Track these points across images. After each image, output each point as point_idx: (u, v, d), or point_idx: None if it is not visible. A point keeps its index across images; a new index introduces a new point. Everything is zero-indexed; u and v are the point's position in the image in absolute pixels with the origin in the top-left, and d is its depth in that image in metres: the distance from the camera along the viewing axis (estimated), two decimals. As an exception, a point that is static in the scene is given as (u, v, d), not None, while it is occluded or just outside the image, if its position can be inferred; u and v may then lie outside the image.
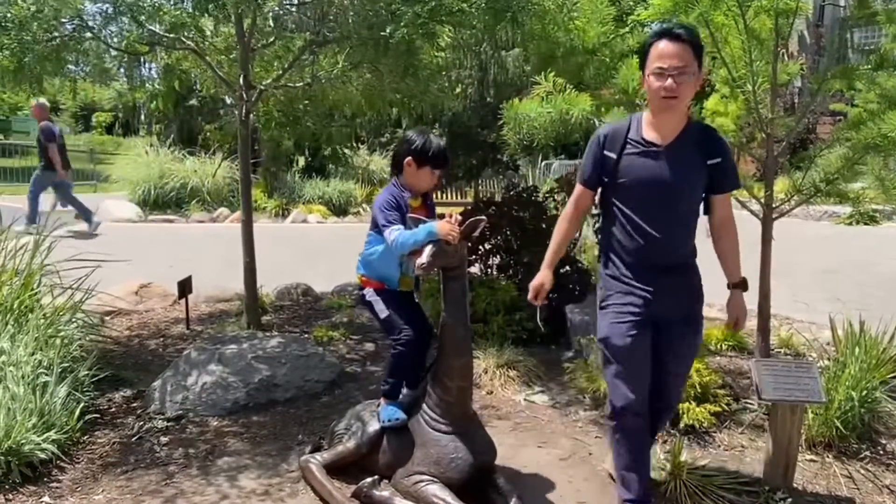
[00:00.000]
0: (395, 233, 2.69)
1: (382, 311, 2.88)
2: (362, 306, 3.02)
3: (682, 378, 2.74)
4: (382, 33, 3.87)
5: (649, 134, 2.50)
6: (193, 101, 16.03)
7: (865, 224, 11.37)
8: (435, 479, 2.67)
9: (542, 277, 2.72)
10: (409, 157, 2.84)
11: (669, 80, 2.36)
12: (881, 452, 3.28)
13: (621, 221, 2.56)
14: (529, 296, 2.72)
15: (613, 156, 2.53)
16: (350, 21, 4.29)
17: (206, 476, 3.04)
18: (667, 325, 2.55)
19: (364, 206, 14.81)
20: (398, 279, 2.90)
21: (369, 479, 2.74)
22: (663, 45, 2.38)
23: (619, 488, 2.64)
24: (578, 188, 2.69)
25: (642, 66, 2.48)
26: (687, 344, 2.62)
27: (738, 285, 2.64)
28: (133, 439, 3.37)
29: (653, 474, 3.03)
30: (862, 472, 3.12)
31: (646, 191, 2.48)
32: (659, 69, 2.37)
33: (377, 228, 2.85)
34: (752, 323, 4.96)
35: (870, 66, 3.59)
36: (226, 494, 2.89)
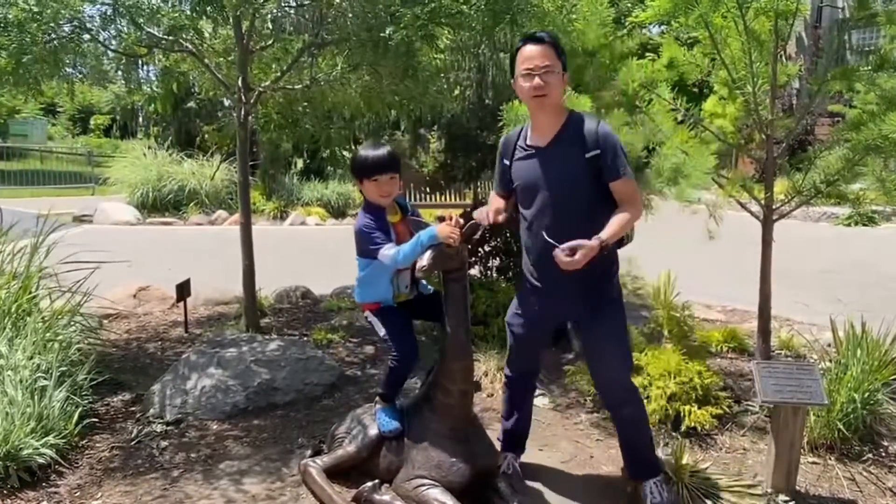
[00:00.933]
0: (391, 250, 2.65)
1: (381, 329, 2.89)
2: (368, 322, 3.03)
3: (610, 360, 2.74)
4: (382, 35, 3.85)
5: (532, 138, 2.67)
6: (191, 104, 16.02)
7: (864, 225, 11.39)
8: (436, 483, 2.65)
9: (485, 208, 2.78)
10: (355, 179, 2.87)
11: (537, 79, 2.51)
12: (883, 454, 3.27)
13: (522, 222, 2.73)
14: (479, 218, 2.67)
15: (508, 163, 2.74)
16: (349, 23, 4.28)
17: (209, 480, 3.02)
18: (580, 319, 2.74)
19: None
20: (392, 296, 2.89)
21: (370, 484, 2.73)
22: (528, 49, 2.54)
23: None
24: (494, 194, 2.87)
25: (512, 74, 2.65)
26: (595, 335, 2.72)
27: (601, 238, 2.47)
28: (132, 443, 3.35)
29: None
30: (864, 474, 3.11)
31: (532, 193, 2.64)
32: (527, 70, 2.53)
33: (363, 254, 2.82)
34: (751, 324, 4.96)
35: (870, 68, 3.58)
36: (230, 499, 2.88)
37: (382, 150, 2.82)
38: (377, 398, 2.97)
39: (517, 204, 2.76)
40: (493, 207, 2.74)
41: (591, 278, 2.56)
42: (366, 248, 2.76)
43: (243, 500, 2.87)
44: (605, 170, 2.55)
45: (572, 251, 2.41)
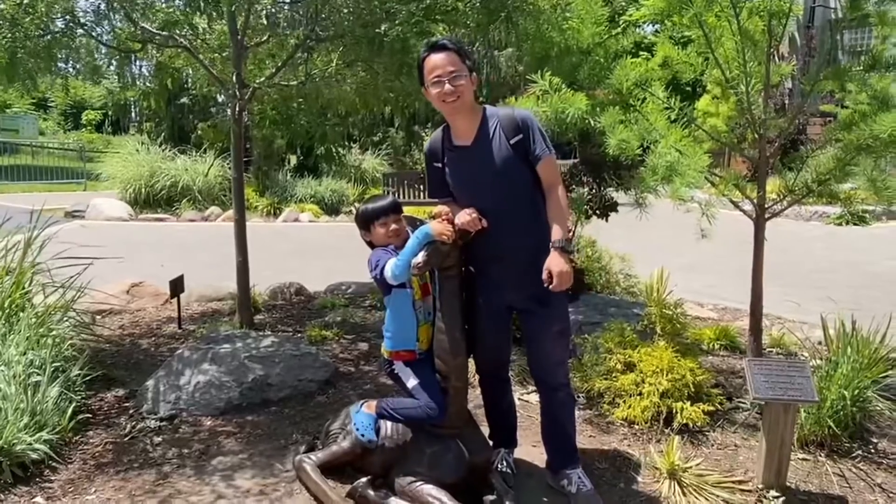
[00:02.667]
0: (391, 261, 2.63)
1: (412, 380, 2.79)
2: (389, 377, 2.96)
3: (558, 344, 2.81)
4: (377, 31, 3.86)
5: (456, 139, 2.73)
6: (185, 100, 15.97)
7: (855, 224, 11.47)
8: (430, 479, 2.66)
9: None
10: (361, 231, 2.88)
11: (447, 85, 2.58)
12: (872, 451, 3.31)
13: None
14: (469, 225, 2.64)
15: (440, 165, 2.79)
16: (344, 19, 4.28)
17: (202, 476, 3.03)
18: (520, 305, 2.79)
19: (356, 205, 14.80)
20: (417, 332, 2.78)
21: (364, 479, 2.74)
22: (433, 58, 2.61)
23: None
24: (441, 204, 2.85)
25: (421, 84, 2.70)
26: (546, 321, 2.75)
27: (555, 244, 2.61)
28: (126, 439, 3.35)
29: (647, 473, 3.06)
30: (854, 470, 3.14)
31: (468, 189, 2.70)
32: (436, 78, 2.59)
33: (382, 290, 2.81)
34: (743, 322, 5.00)
35: (861, 68, 3.61)
36: (222, 494, 2.88)
37: (385, 200, 2.88)
38: (370, 403, 2.93)
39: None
40: (467, 213, 2.67)
41: (534, 261, 2.64)
42: (379, 278, 2.70)
43: (235, 495, 2.88)
44: (531, 151, 2.66)
45: (550, 277, 2.58)
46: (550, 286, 2.59)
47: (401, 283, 2.68)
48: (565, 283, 2.59)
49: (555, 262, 2.59)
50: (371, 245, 2.86)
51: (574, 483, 2.81)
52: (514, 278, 2.72)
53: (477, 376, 3.13)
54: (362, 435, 2.81)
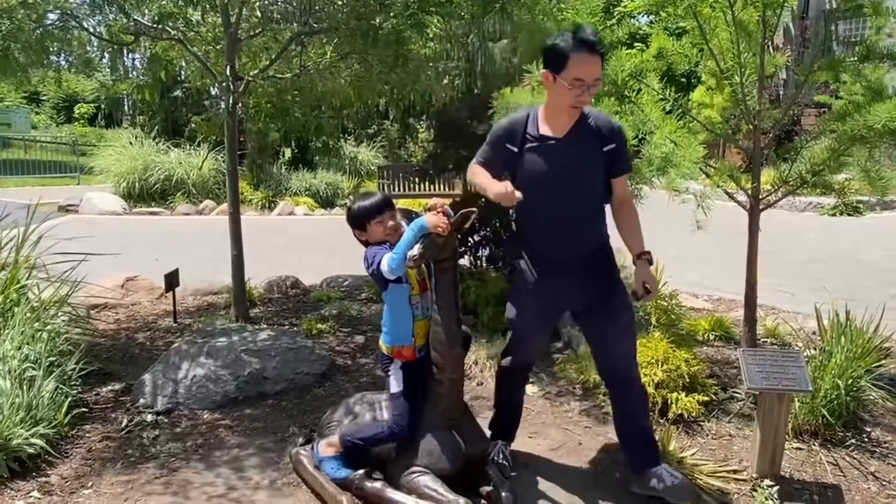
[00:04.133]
0: (387, 256, 2.61)
1: (397, 385, 2.78)
2: (382, 372, 2.92)
3: (628, 336, 2.77)
4: (372, 23, 3.85)
5: (544, 128, 2.60)
6: (178, 92, 15.88)
7: (849, 215, 11.51)
8: (427, 471, 2.67)
9: (502, 184, 2.55)
10: (356, 231, 2.84)
11: (586, 95, 2.47)
12: (866, 440, 3.33)
13: (523, 213, 2.67)
14: (503, 200, 2.51)
15: (514, 149, 2.62)
16: (338, 12, 4.26)
17: (209, 468, 3.03)
18: (588, 306, 2.71)
19: (351, 198, 14.77)
20: (413, 327, 2.76)
21: (361, 471, 2.74)
22: (586, 58, 2.42)
23: None
24: (475, 166, 2.74)
25: (553, 66, 2.47)
26: (612, 316, 2.70)
27: (643, 255, 2.66)
28: (123, 433, 3.35)
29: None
30: (847, 459, 3.17)
31: (544, 183, 2.58)
32: (580, 81, 2.42)
33: (379, 283, 2.79)
34: (738, 313, 5.01)
35: (856, 59, 3.62)
36: (233, 486, 2.89)
37: (375, 197, 2.83)
38: (329, 442, 2.86)
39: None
40: (506, 183, 2.52)
41: (597, 263, 2.67)
42: (376, 273, 2.69)
43: (246, 487, 2.89)
44: (617, 163, 2.63)
45: (645, 289, 2.62)
46: (642, 298, 2.63)
47: (397, 277, 2.68)
48: (655, 293, 2.69)
49: (649, 275, 2.64)
50: (366, 244, 2.81)
51: (664, 479, 2.71)
52: (580, 281, 2.66)
53: (495, 370, 3.10)
54: (334, 478, 2.76)
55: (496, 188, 2.53)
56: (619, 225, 2.72)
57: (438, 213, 2.62)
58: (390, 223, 2.75)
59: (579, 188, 2.60)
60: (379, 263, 2.64)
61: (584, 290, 2.68)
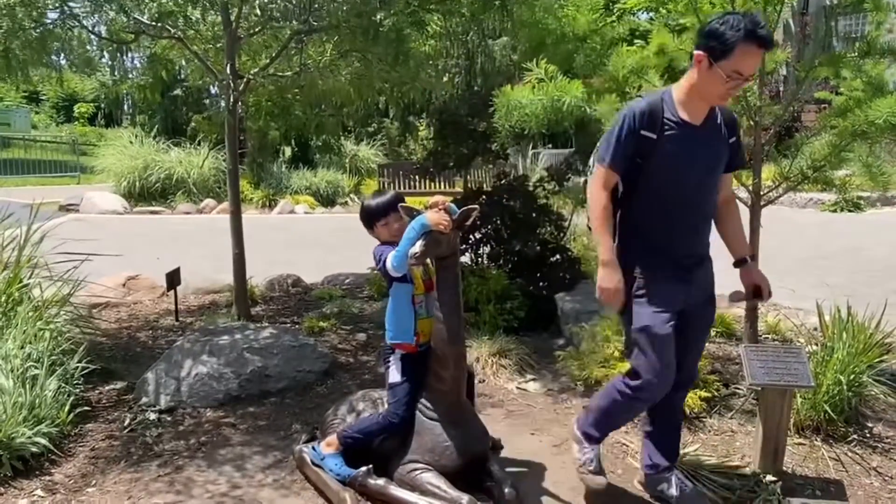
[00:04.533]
0: (391, 253, 2.64)
1: (396, 375, 2.79)
2: (384, 364, 2.92)
3: (704, 343, 2.77)
4: (372, 19, 3.84)
5: (683, 113, 2.38)
6: (178, 91, 15.89)
7: (850, 211, 11.50)
8: (429, 467, 2.68)
9: (615, 278, 2.42)
10: (369, 230, 2.89)
11: (738, 89, 2.33)
12: (868, 435, 3.34)
13: (652, 203, 2.45)
14: (605, 299, 2.46)
15: (652, 136, 2.36)
16: (339, 9, 4.26)
17: (212, 466, 3.04)
18: (693, 308, 2.54)
19: (352, 196, 14.78)
20: (416, 325, 2.78)
21: (364, 468, 2.75)
22: (754, 51, 2.22)
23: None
24: (604, 172, 2.45)
25: (712, 51, 2.22)
26: (706, 321, 2.66)
27: (752, 257, 2.63)
28: (126, 431, 3.35)
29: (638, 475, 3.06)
30: (849, 454, 3.17)
31: (680, 172, 2.38)
32: (738, 74, 2.22)
33: (386, 279, 2.82)
34: (739, 309, 5.01)
35: (856, 54, 3.62)
36: (237, 484, 2.90)
37: (385, 196, 2.87)
38: (329, 441, 2.86)
39: (633, 184, 2.46)
40: (619, 280, 2.41)
41: (708, 263, 2.59)
42: (383, 269, 2.72)
43: (250, 485, 2.89)
44: (735, 157, 2.51)
45: (758, 290, 2.54)
46: (750, 300, 2.57)
47: (402, 275, 2.70)
48: (769, 293, 2.59)
49: (763, 277, 2.56)
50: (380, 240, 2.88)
51: (675, 485, 2.65)
52: (700, 278, 2.53)
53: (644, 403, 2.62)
54: (338, 475, 2.77)
55: (608, 280, 2.40)
56: (723, 223, 2.60)
57: (440, 210, 2.62)
58: (395, 226, 2.77)
59: (710, 180, 2.44)
60: (385, 261, 2.66)
61: (701, 288, 2.54)
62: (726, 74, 2.22)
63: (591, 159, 2.62)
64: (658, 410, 2.70)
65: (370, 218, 2.84)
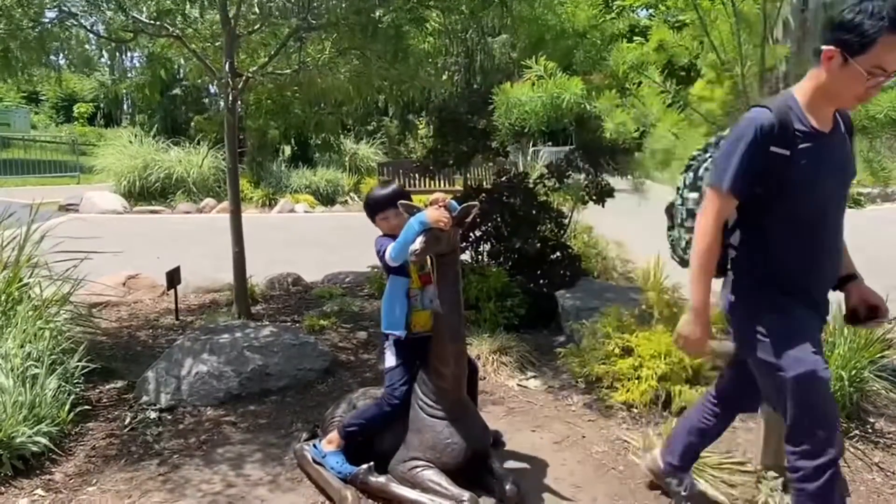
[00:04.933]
0: (389, 247, 2.68)
1: (392, 359, 2.81)
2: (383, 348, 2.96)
3: None
4: (371, 17, 3.83)
5: (813, 121, 2.04)
6: (177, 91, 15.87)
7: (850, 207, 11.44)
8: (431, 465, 2.67)
9: (704, 329, 2.13)
10: (370, 219, 2.90)
11: (878, 88, 1.98)
12: (870, 431, 3.33)
13: (788, 233, 2.09)
14: (688, 349, 2.25)
15: (785, 152, 1.99)
16: (337, 7, 4.25)
17: (209, 465, 3.03)
18: None
19: (352, 195, 14.77)
20: (409, 318, 2.79)
21: (365, 466, 2.74)
22: None
23: None
24: (721, 199, 2.07)
25: (848, 45, 1.91)
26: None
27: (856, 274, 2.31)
28: (126, 430, 3.35)
29: (647, 456, 3.07)
30: (851, 450, 3.16)
31: (815, 188, 2.03)
32: (881, 70, 1.90)
33: (384, 268, 2.83)
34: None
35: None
36: (232, 483, 2.89)
37: (387, 189, 2.88)
38: (329, 439, 2.86)
39: (754, 212, 2.10)
40: (705, 330, 2.12)
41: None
42: (383, 259, 2.74)
43: (245, 483, 2.88)
44: (854, 162, 2.19)
45: (875, 311, 2.22)
46: (870, 321, 2.23)
47: (400, 268, 2.72)
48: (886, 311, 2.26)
49: (875, 294, 2.23)
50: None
51: (685, 485, 2.63)
52: (823, 315, 2.23)
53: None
54: (339, 473, 2.77)
55: (695, 330, 2.11)
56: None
57: (440, 207, 2.62)
58: (394, 222, 2.78)
59: (844, 194, 2.14)
60: (385, 251, 2.70)
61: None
62: (866, 71, 1.90)
63: (683, 180, 2.35)
64: (711, 427, 2.59)
65: (372, 209, 2.87)
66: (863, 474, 2.99)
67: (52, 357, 3.52)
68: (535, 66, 3.44)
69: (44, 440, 3.01)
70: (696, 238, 2.11)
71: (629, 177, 5.00)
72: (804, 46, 3.44)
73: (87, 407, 3.51)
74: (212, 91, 14.70)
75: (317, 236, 10.05)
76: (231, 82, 4.62)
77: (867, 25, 1.87)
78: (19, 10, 3.75)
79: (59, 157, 19.86)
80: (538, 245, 5.05)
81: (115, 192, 13.42)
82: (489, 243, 5.27)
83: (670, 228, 2.46)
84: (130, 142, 14.34)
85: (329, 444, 2.86)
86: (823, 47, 1.98)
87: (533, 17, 3.64)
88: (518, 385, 3.93)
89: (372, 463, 2.76)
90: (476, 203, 2.78)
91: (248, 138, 14.24)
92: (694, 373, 3.52)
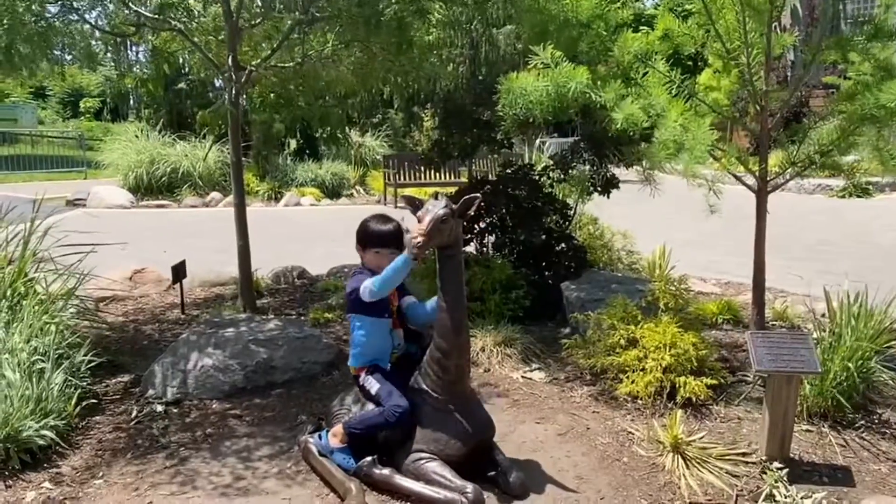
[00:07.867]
0: (368, 281, 2.72)
1: (374, 385, 2.83)
2: (360, 389, 2.96)
3: None
4: (374, 9, 3.81)
5: None
6: (182, 85, 15.88)
7: (859, 197, 11.42)
8: (434, 457, 2.68)
9: None
10: (357, 245, 2.93)
11: None
12: (876, 421, 3.31)
13: None
14: None
15: None
16: (340, 0, 4.23)
17: (217, 458, 3.04)
18: None
19: (357, 188, 14.76)
20: (389, 354, 2.90)
21: (369, 458, 2.75)
22: None
23: None
24: None
25: None
26: None
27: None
28: (133, 424, 3.36)
29: (651, 447, 3.07)
30: (857, 440, 3.15)
31: None
32: None
33: (356, 310, 2.87)
34: (746, 296, 4.98)
35: (864, 37, 3.56)
36: (240, 475, 2.90)
37: (389, 226, 2.88)
38: (335, 432, 2.88)
39: None
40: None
41: None
42: (353, 297, 2.79)
43: (254, 476, 2.89)
44: None
45: None
46: None
47: (377, 307, 2.79)
48: None
49: None
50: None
51: None
52: None
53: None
54: (343, 465, 2.80)
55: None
56: None
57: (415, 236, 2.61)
58: (385, 261, 2.78)
59: None
60: (359, 290, 2.74)
61: None
62: None
63: None
64: None
65: (370, 241, 2.87)
66: (869, 465, 2.98)
67: (59, 351, 3.54)
68: (541, 54, 3.42)
69: (51, 434, 3.03)
70: None
71: (636, 168, 4.97)
72: (813, 32, 3.38)
73: (93, 401, 3.53)
74: (217, 85, 14.68)
75: (322, 229, 10.05)
76: (234, 76, 4.62)
77: None
78: (22, 4, 3.74)
79: (67, 152, 19.92)
80: (543, 236, 5.03)
81: (122, 186, 13.45)
82: (494, 235, 5.26)
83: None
84: (137, 136, 14.36)
85: (334, 437, 2.87)
86: None
87: (536, 8, 3.60)
88: (523, 377, 3.93)
89: (376, 455, 2.76)
90: (478, 195, 2.77)
91: (253, 132, 14.24)
92: (699, 364, 3.50)
